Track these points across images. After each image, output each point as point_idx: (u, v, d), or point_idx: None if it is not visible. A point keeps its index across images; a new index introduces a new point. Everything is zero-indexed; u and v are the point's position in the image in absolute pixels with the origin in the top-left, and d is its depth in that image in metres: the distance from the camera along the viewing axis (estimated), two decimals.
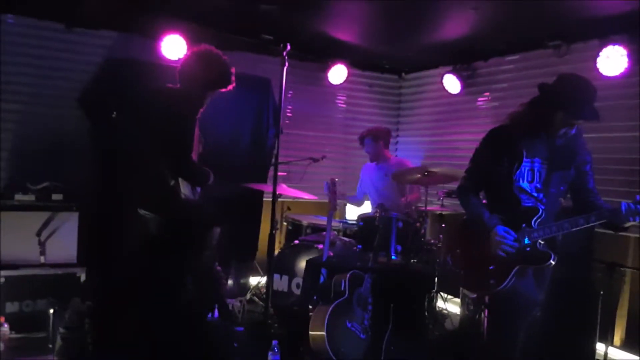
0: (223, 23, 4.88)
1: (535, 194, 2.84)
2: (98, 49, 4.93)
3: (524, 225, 2.78)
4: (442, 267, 4.46)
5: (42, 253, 4.11)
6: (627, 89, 4.32)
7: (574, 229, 2.67)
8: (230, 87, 3.42)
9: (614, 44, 4.26)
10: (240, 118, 5.28)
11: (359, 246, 4.47)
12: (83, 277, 4.10)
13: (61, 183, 4.31)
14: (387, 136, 5.27)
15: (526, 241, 2.75)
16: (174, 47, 4.72)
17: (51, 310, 3.81)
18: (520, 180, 2.83)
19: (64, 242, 4.17)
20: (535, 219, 2.78)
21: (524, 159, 2.81)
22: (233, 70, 3.39)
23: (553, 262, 2.71)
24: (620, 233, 2.83)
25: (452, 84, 5.70)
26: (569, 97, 2.67)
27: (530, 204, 2.83)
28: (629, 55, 4.19)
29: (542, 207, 2.79)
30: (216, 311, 4.08)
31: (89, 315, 3.63)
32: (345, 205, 5.82)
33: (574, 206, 2.91)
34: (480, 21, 4.52)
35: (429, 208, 4.71)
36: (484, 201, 3.04)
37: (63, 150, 4.56)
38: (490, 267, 2.83)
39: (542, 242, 2.75)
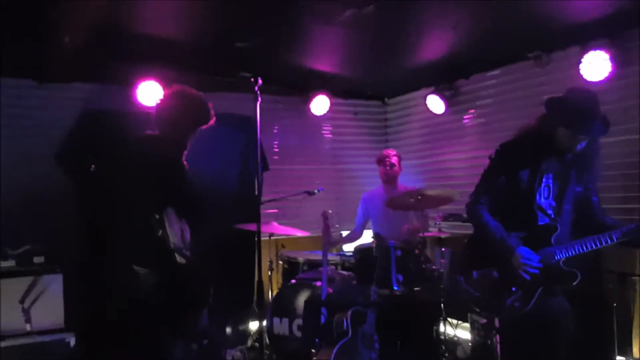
0: (199, 64, 4.81)
1: (550, 212, 2.79)
2: (72, 102, 4.82)
3: (541, 242, 2.72)
4: (452, 288, 4.28)
5: (28, 320, 3.92)
6: (613, 93, 4.25)
7: (598, 247, 2.63)
8: (211, 123, 3.30)
9: (595, 49, 4.21)
10: (226, 158, 5.20)
11: (359, 279, 4.31)
12: (72, 343, 3.90)
13: (42, 245, 4.15)
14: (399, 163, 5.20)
15: (551, 261, 2.70)
16: (150, 93, 4.63)
17: None
18: (538, 197, 2.75)
19: (49, 306, 3.98)
20: (552, 237, 2.73)
21: (544, 174, 2.76)
22: (211, 105, 3.28)
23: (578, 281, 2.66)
24: None
25: (436, 104, 5.64)
26: (570, 112, 2.63)
27: (546, 222, 2.75)
28: (611, 59, 4.13)
29: (559, 225, 2.73)
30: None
31: None
32: (341, 236, 5.66)
33: (581, 223, 2.83)
34: (459, 39, 4.48)
35: (426, 233, 4.57)
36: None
37: (42, 210, 4.41)
38: (513, 289, 2.76)
39: (564, 260, 2.70)
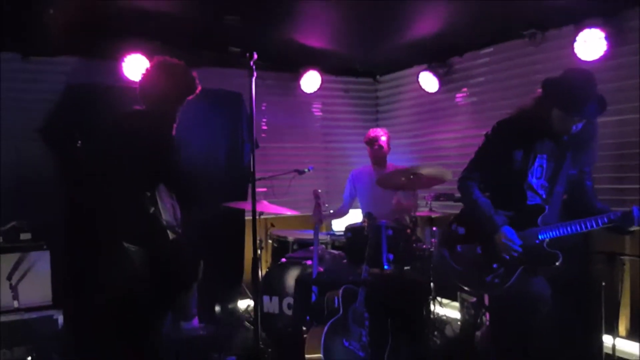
0: (187, 38, 4.71)
1: (541, 192, 2.79)
2: (57, 76, 4.71)
3: (527, 222, 2.74)
4: (438, 263, 4.29)
5: (15, 297, 3.87)
6: (607, 72, 4.22)
7: (582, 231, 2.65)
8: (197, 91, 3.23)
9: (590, 28, 4.17)
10: (213, 135, 5.11)
11: (350, 258, 4.29)
12: (60, 320, 3.86)
13: (28, 221, 4.08)
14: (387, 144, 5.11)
15: (535, 241, 2.71)
16: (136, 67, 4.52)
17: (29, 358, 3.60)
18: (530, 176, 2.74)
19: (37, 283, 3.93)
20: (540, 218, 2.73)
21: (537, 154, 2.76)
22: (195, 74, 3.21)
23: (558, 263, 2.68)
24: None
25: (428, 82, 5.58)
26: (565, 94, 2.62)
27: (536, 202, 2.75)
28: (606, 38, 4.09)
29: (548, 207, 2.74)
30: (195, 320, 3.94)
31: None
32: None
33: (571, 205, 2.84)
34: (452, 16, 4.43)
35: (418, 213, 4.55)
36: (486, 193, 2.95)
37: (28, 186, 4.33)
38: (494, 266, 2.78)
39: (548, 241, 2.72)
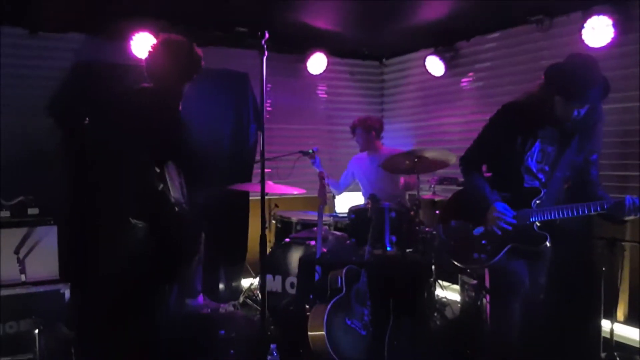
0: (194, 17, 4.70)
1: (541, 176, 2.82)
2: (65, 53, 4.70)
3: (523, 203, 2.78)
4: (435, 245, 4.35)
5: (22, 271, 3.91)
6: (614, 60, 4.23)
7: (574, 215, 2.67)
8: (201, 68, 3.27)
9: (598, 15, 4.16)
10: (219, 116, 5.11)
11: (353, 239, 4.34)
12: (67, 294, 3.91)
13: (36, 196, 4.11)
14: (380, 127, 5.18)
15: (526, 222, 2.74)
16: (144, 46, 4.52)
17: (36, 331, 3.63)
18: (529, 160, 2.79)
19: (44, 258, 3.96)
20: (535, 200, 2.77)
21: (538, 140, 2.78)
22: (200, 52, 3.24)
23: (548, 244, 2.73)
24: None
25: (435, 66, 5.57)
26: (566, 81, 2.62)
27: (533, 185, 2.79)
28: (614, 25, 4.09)
29: (544, 190, 2.78)
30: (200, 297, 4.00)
31: (75, 341, 3.47)
32: (334, 198, 5.67)
33: (574, 191, 2.87)
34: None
35: (422, 196, 4.58)
36: (487, 174, 2.99)
37: (35, 162, 4.35)
38: (483, 242, 2.85)
39: (539, 224, 2.75)
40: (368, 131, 5.05)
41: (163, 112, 3.01)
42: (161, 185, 2.92)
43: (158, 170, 2.93)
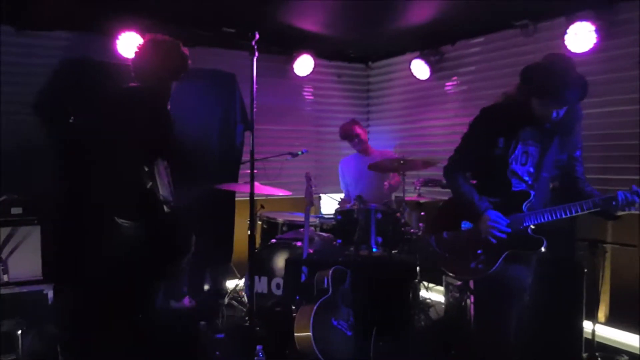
0: (181, 17, 4.68)
1: (527, 178, 2.79)
2: (51, 50, 4.67)
3: (513, 208, 2.74)
4: (424, 249, 4.37)
5: (5, 271, 3.86)
6: (596, 65, 4.31)
7: (567, 216, 2.64)
8: (188, 67, 3.29)
9: (581, 20, 4.24)
10: (206, 116, 5.10)
11: (339, 240, 4.36)
12: (51, 295, 3.87)
13: (19, 195, 4.06)
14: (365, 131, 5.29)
15: (519, 227, 2.71)
16: (130, 44, 4.50)
17: (19, 331, 3.59)
18: (514, 163, 2.77)
19: (27, 258, 3.92)
20: (525, 203, 2.74)
21: (520, 141, 2.75)
22: (187, 51, 3.26)
23: (544, 249, 2.68)
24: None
25: (420, 69, 5.63)
26: (539, 82, 2.58)
27: (521, 188, 2.77)
28: (596, 31, 4.17)
29: (533, 192, 2.75)
30: (186, 299, 4.00)
31: (61, 340, 3.44)
32: (320, 199, 5.69)
33: (562, 192, 2.86)
34: (446, 3, 4.45)
35: (407, 198, 4.62)
36: (473, 181, 2.97)
37: (19, 160, 4.30)
38: (479, 252, 2.79)
39: (533, 227, 2.71)
40: (364, 133, 5.21)
41: (150, 111, 3.01)
42: (150, 184, 2.91)
43: (147, 169, 2.91)
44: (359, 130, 5.16)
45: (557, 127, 2.71)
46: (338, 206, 4.72)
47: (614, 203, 2.54)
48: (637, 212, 2.89)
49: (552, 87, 2.54)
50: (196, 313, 4.09)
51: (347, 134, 5.18)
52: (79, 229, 3.89)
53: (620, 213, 2.59)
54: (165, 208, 2.97)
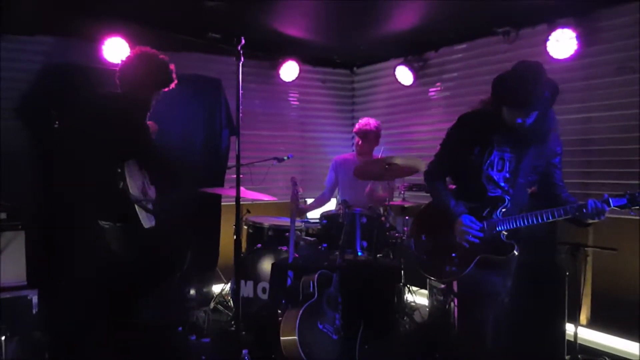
0: (167, 23, 4.69)
1: (503, 184, 2.83)
2: (35, 55, 4.63)
3: (488, 213, 2.79)
4: (405, 252, 4.41)
5: None
6: (577, 71, 4.40)
7: (540, 222, 2.68)
8: (172, 86, 3.35)
9: (562, 27, 4.32)
10: (192, 121, 5.10)
11: (324, 245, 4.38)
12: (35, 300, 3.84)
13: (3, 201, 4.03)
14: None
15: (492, 231, 2.75)
16: (115, 50, 4.51)
17: (3, 337, 3.56)
18: (490, 169, 2.81)
19: (11, 264, 3.87)
20: (500, 209, 2.79)
21: (495, 148, 2.79)
22: (173, 67, 3.31)
23: (516, 253, 2.74)
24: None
25: (404, 75, 5.69)
26: (505, 90, 2.62)
27: (496, 194, 2.81)
28: (577, 38, 4.25)
29: (508, 198, 2.79)
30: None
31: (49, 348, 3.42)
32: (305, 203, 5.68)
33: (540, 197, 2.90)
34: (430, 11, 4.51)
35: (391, 202, 4.65)
36: (452, 186, 3.01)
37: (3, 165, 4.26)
38: (453, 255, 2.86)
39: (506, 233, 2.76)
40: (377, 140, 5.04)
41: (127, 117, 3.05)
42: (121, 183, 2.93)
43: (119, 170, 2.94)
44: (376, 132, 5.03)
45: (531, 134, 2.72)
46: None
47: (584, 211, 2.57)
48: (617, 216, 2.97)
49: (515, 95, 2.58)
50: (173, 319, 4.07)
51: (373, 133, 4.98)
52: (63, 234, 3.86)
53: (590, 221, 2.61)
54: (137, 207, 2.98)
